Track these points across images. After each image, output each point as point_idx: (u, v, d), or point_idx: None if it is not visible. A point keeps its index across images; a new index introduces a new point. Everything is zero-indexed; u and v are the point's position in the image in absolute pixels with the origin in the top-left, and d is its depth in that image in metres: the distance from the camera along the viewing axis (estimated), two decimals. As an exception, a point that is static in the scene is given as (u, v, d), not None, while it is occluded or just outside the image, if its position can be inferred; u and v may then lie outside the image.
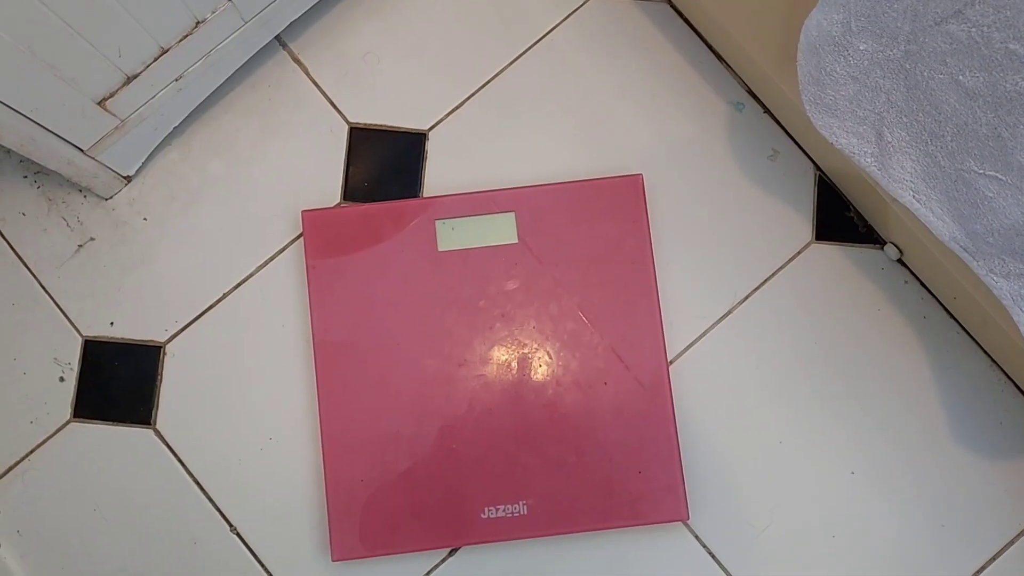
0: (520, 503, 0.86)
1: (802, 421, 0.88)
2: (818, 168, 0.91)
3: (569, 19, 0.94)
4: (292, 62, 0.93)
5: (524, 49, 0.93)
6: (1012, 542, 0.86)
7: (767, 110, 0.91)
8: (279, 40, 0.93)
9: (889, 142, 0.69)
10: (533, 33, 0.93)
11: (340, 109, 0.92)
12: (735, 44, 0.87)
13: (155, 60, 0.76)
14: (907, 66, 0.63)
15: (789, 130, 0.91)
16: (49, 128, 0.74)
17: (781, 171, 0.91)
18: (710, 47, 0.92)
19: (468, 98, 0.92)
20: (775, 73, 0.84)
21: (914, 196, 0.71)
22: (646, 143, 0.92)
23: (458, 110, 0.92)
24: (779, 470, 0.87)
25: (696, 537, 0.87)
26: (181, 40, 0.77)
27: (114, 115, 0.79)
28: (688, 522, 0.87)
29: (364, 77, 0.93)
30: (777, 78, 0.84)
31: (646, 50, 0.93)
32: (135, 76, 0.76)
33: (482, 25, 0.93)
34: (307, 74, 0.92)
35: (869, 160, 0.72)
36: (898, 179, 0.70)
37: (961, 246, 0.70)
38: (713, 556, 0.86)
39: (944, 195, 0.68)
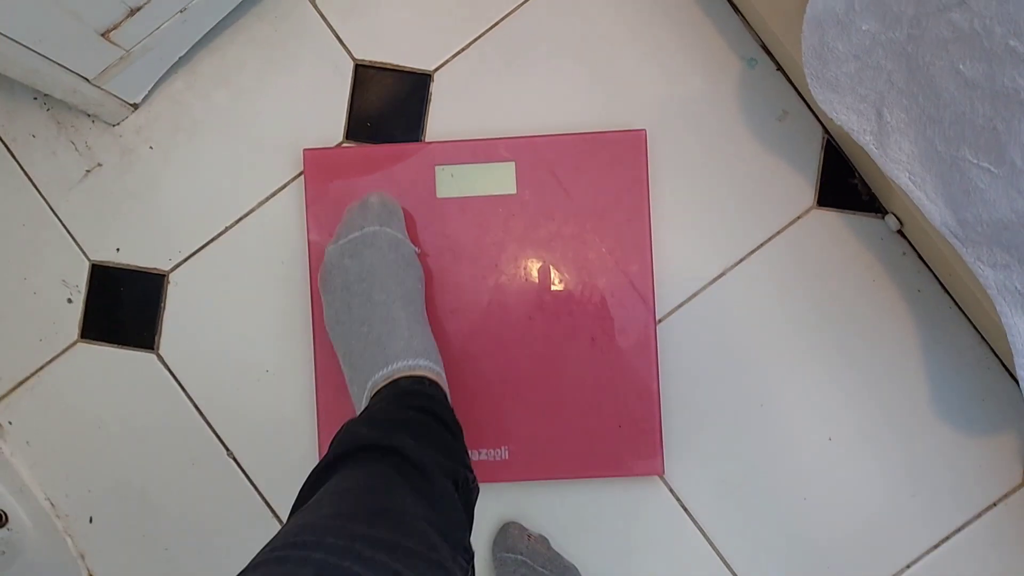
0: (502, 448, 0.89)
1: (785, 386, 0.89)
2: (827, 132, 0.89)
3: (583, -38, 0.91)
4: (299, -7, 0.92)
5: (535, -9, 0.91)
6: (979, 515, 0.88)
7: (780, 68, 0.89)
8: (287, -30, 0.92)
9: (888, 122, 0.68)
10: (546, -25, 0.91)
11: (346, 44, 0.91)
12: (751, -2, 0.85)
13: (158, -7, 0.76)
14: (909, 49, 0.62)
15: (801, 90, 0.89)
16: (53, 59, 0.75)
17: (788, 133, 0.89)
18: (727, -2, 0.90)
19: (475, 39, 0.91)
20: (783, 35, 0.82)
21: (910, 177, 0.70)
22: (653, 95, 0.90)
23: (464, 51, 0.91)
24: (757, 432, 0.89)
25: (671, 491, 0.89)
26: (183, -27, 0.76)
27: (118, 46, 0.79)
28: (663, 476, 0.89)
29: (371, 11, 0.91)
30: (785, 40, 0.82)
31: (661, -3, 0.91)
32: (138, 8, 0.76)
33: (494, -36, 0.91)
34: (313, 5, 0.91)
35: (868, 138, 0.70)
36: (895, 159, 0.69)
37: (951, 231, 0.69)
38: (686, 509, 0.89)
39: (939, 179, 0.67)
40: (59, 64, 0.75)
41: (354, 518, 0.53)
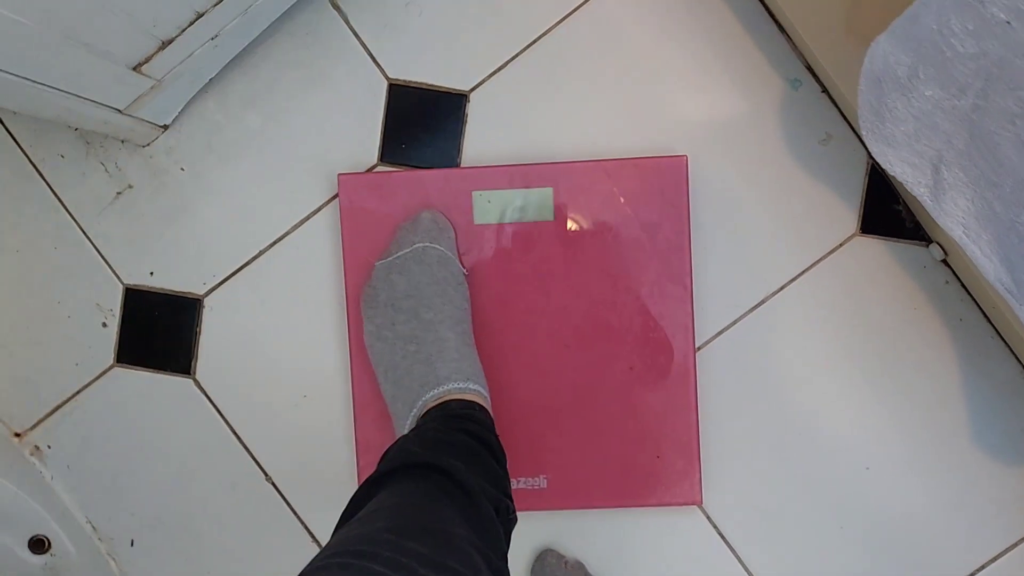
0: (540, 477, 0.89)
1: (823, 414, 0.89)
2: (871, 156, 0.87)
3: (624, -22, 0.88)
4: (332, 8, 0.89)
5: (574, 7, 0.88)
6: (1014, 546, 0.89)
7: (825, 90, 0.87)
8: (318, -14, 0.89)
9: (945, 178, 0.66)
10: (585, -10, 0.88)
11: (380, 63, 0.89)
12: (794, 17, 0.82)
13: (191, 24, 0.74)
14: (973, 117, 0.60)
15: (846, 113, 0.87)
16: (85, 97, 0.73)
17: (832, 157, 0.87)
18: (771, 15, 0.87)
19: (512, 59, 0.88)
20: (826, 58, 0.79)
21: (964, 232, 0.68)
22: (694, 117, 0.88)
23: (501, 71, 0.88)
24: (795, 461, 0.89)
25: (708, 519, 0.90)
26: (217, 3, 0.74)
27: (150, 77, 0.77)
28: (701, 505, 0.90)
29: (406, 29, 0.89)
30: (826, 63, 0.80)
31: (703, 13, 0.87)
32: (170, 41, 0.74)
33: (531, -20, 0.88)
34: (347, 23, 0.89)
35: (922, 191, 0.69)
36: (950, 213, 0.68)
37: (1006, 288, 0.68)
38: (724, 538, 0.90)
39: (995, 239, 0.66)
40: (91, 100, 0.74)
41: (407, 534, 0.54)
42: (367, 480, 0.63)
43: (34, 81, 0.66)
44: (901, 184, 0.86)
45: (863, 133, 0.68)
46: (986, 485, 0.88)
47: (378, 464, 0.69)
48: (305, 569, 0.50)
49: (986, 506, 0.88)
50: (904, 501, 0.89)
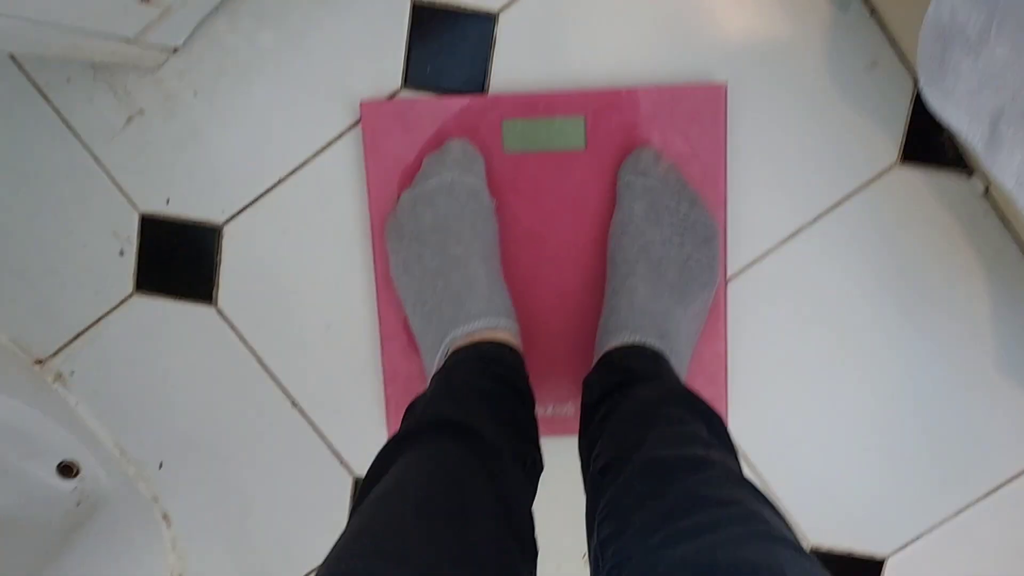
0: (568, 403, 0.90)
1: (854, 345, 0.89)
2: (918, 85, 0.83)
3: None
4: (350, -79, 0.82)
5: (611, -81, 0.82)
6: (1034, 469, 0.91)
7: (874, 12, 0.82)
8: None
9: (1004, 132, 0.63)
10: (623, -100, 0.82)
11: (403, -20, 0.83)
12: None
13: (203, -50, 0.69)
14: (1050, 81, 0.57)
15: (894, 38, 0.82)
16: (92, 31, 0.68)
17: (877, 84, 0.84)
18: (822, -70, 0.81)
19: (544, -23, 0.83)
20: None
21: (1017, 182, 0.66)
22: (735, 40, 0.83)
23: (532, -10, 0.83)
24: (823, 389, 0.90)
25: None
26: (232, -69, 0.68)
27: (157, 4, 0.72)
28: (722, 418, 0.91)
29: (429, -57, 0.83)
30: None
31: (748, -73, 0.82)
32: (182, -30, 0.69)
33: None
34: (366, -64, 0.83)
35: (976, 141, 0.66)
36: (1004, 165, 0.65)
37: (1058, 240, 0.67)
38: (748, 461, 0.91)
39: (1052, 195, 0.64)
40: (98, 34, 0.69)
41: (436, 518, 0.53)
42: (394, 438, 0.62)
43: (36, 21, 0.61)
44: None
45: (920, 83, 0.65)
46: (1009, 412, 0.89)
47: (404, 418, 0.69)
48: (331, 566, 0.49)
49: (1008, 431, 0.90)
50: (928, 426, 0.90)
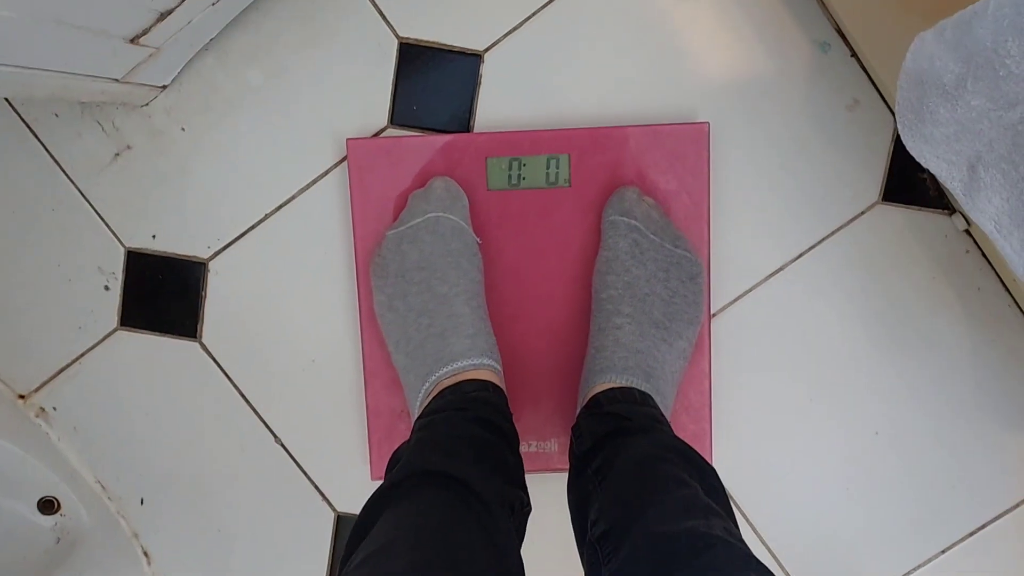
0: (551, 440, 0.90)
1: (836, 381, 0.89)
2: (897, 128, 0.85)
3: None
4: (338, -38, 0.84)
5: (595, -39, 0.83)
6: (1015, 507, 0.90)
7: (855, 54, 0.83)
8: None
9: (981, 178, 0.64)
10: (606, -57, 0.83)
11: (390, 20, 0.84)
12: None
13: (191, -7, 0.69)
14: (1020, 128, 0.57)
15: (875, 79, 0.84)
16: (82, 73, 0.69)
17: (859, 123, 0.85)
18: (802, -26, 0.83)
19: (529, 17, 0.84)
20: (858, 30, 0.76)
21: (995, 227, 0.66)
22: (718, 80, 0.85)
23: (517, 31, 0.84)
24: (805, 425, 0.90)
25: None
26: (220, -28, 0.69)
27: (148, 46, 0.73)
28: (714, 468, 0.90)
29: (416, -17, 0.84)
30: (859, 36, 0.76)
31: (730, -30, 0.83)
32: (169, 12, 0.69)
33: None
34: (354, -23, 0.84)
35: (956, 185, 0.67)
36: (982, 209, 0.66)
37: (1036, 282, 0.67)
38: (732, 498, 0.91)
39: (1030, 237, 0.64)
40: (88, 76, 0.70)
41: (429, 569, 0.53)
42: (381, 489, 0.62)
43: (27, 67, 0.62)
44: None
45: (899, 129, 0.66)
46: (993, 449, 0.89)
47: (388, 468, 0.68)
48: None
49: (989, 469, 0.90)
50: (910, 464, 0.90)
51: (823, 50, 0.84)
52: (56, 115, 0.87)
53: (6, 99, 0.87)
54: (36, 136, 0.87)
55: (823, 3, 0.83)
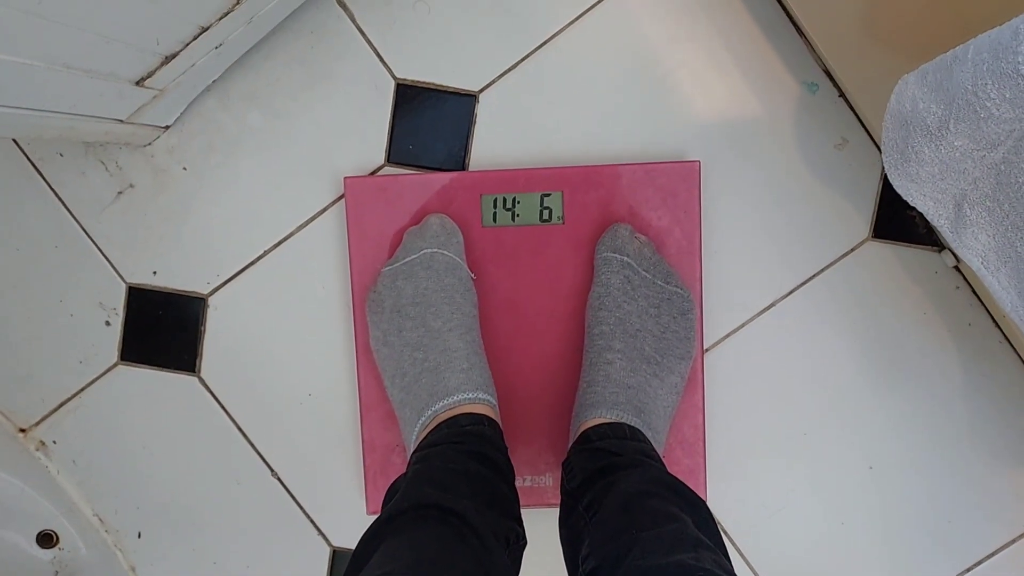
0: (546, 475, 0.90)
1: (829, 415, 0.89)
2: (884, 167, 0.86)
3: (639, -25, 0.85)
4: (338, 6, 0.86)
5: (588, 6, 0.85)
6: (1013, 541, 0.90)
7: (842, 94, 0.85)
8: (323, -19, 0.86)
9: (967, 215, 0.65)
10: (599, -12, 0.86)
11: (387, 62, 0.86)
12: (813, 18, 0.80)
13: (194, 39, 0.71)
14: (1002, 167, 0.59)
15: (862, 118, 0.85)
16: (87, 114, 0.71)
17: (847, 162, 0.86)
18: (790, 17, 0.84)
19: (523, 59, 0.86)
20: (845, 74, 0.78)
21: (983, 263, 0.68)
22: (708, 120, 0.86)
23: (511, 72, 0.86)
24: (799, 459, 0.90)
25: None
26: (221, 18, 0.71)
27: (153, 88, 0.75)
28: (706, 502, 0.91)
29: (413, 27, 0.86)
30: (846, 79, 0.78)
31: (719, 14, 0.85)
32: (174, 55, 0.72)
33: (543, -24, 0.86)
34: (353, 21, 0.86)
35: (943, 223, 0.68)
36: (969, 246, 0.67)
37: (1021, 318, 0.68)
38: (727, 534, 0.91)
39: (1015, 274, 0.65)
40: (94, 117, 0.72)
41: None
42: (378, 522, 0.62)
43: (36, 110, 0.64)
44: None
45: (886, 168, 0.67)
46: (985, 485, 0.89)
47: (385, 501, 0.69)
48: None
49: (984, 504, 0.90)
50: (905, 499, 0.90)
51: (811, 90, 0.86)
52: (61, 155, 0.89)
53: (13, 139, 0.89)
54: (41, 175, 0.90)
55: (810, 45, 0.85)
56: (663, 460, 0.78)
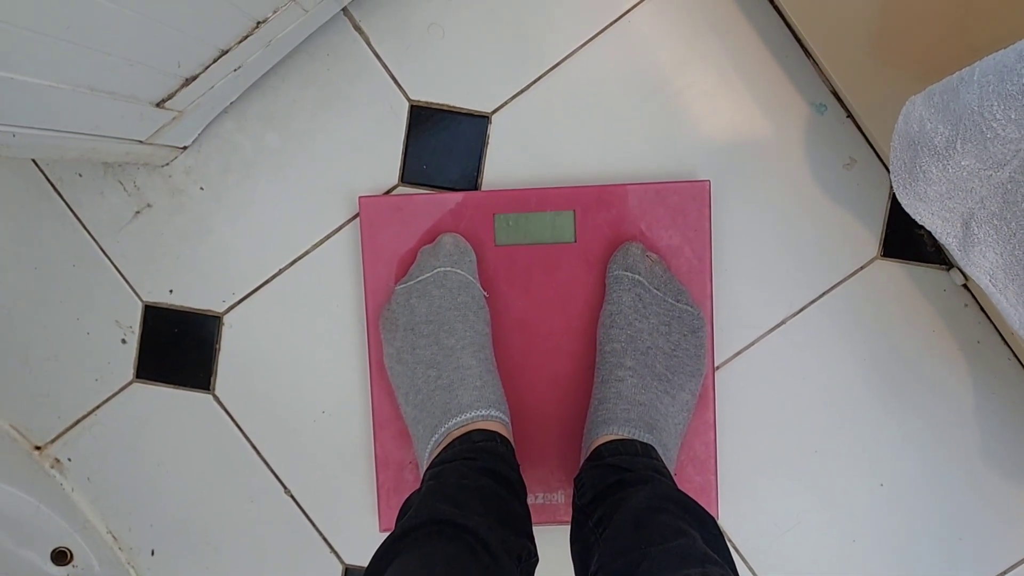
0: (558, 492, 0.91)
1: (840, 433, 0.90)
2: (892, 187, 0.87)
3: (649, -2, 0.87)
4: (353, 30, 0.87)
5: (599, 29, 0.87)
6: (1021, 562, 0.91)
7: (850, 115, 0.86)
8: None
9: (975, 234, 0.66)
10: (611, 11, 0.87)
11: (401, 84, 0.88)
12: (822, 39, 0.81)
13: (214, 61, 0.73)
14: (1009, 186, 0.60)
15: (870, 138, 0.86)
16: (108, 135, 0.72)
17: (856, 181, 0.87)
18: (798, 39, 0.86)
19: (535, 81, 0.87)
20: (852, 95, 0.79)
21: (991, 281, 0.68)
22: (718, 140, 0.88)
23: (524, 93, 0.88)
24: (811, 477, 0.91)
25: (724, 534, 0.91)
26: (241, 41, 0.73)
27: (172, 109, 0.76)
28: (718, 520, 0.91)
29: (428, 50, 0.88)
30: (854, 100, 0.79)
31: (729, 36, 0.87)
32: (194, 78, 0.73)
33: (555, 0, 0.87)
34: (368, 44, 0.88)
35: (951, 241, 0.69)
36: (977, 264, 0.68)
37: (1030, 335, 0.69)
38: (738, 551, 0.91)
39: (1023, 291, 0.66)
40: (115, 138, 0.73)
41: None
42: (391, 538, 0.63)
43: (59, 131, 0.65)
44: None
45: (894, 187, 0.68)
46: (996, 502, 0.90)
47: (399, 517, 0.70)
48: None
49: (996, 523, 0.90)
50: (916, 517, 0.90)
51: (819, 111, 0.87)
52: (80, 175, 0.90)
53: (33, 160, 0.90)
54: (60, 195, 0.91)
55: (818, 66, 0.86)
56: (674, 477, 0.79)
